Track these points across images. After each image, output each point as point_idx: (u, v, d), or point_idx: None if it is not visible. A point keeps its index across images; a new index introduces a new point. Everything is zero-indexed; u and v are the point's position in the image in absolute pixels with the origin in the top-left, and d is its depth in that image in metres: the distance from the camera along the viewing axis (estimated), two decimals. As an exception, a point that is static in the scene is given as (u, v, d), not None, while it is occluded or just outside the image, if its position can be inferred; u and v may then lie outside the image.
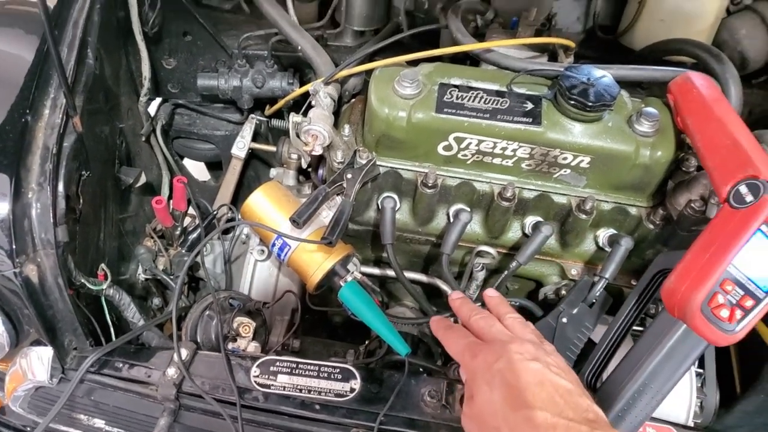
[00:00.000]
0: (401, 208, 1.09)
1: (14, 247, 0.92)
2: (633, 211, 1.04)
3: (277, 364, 0.95)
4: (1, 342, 0.99)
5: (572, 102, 0.94)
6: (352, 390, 0.92)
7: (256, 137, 1.46)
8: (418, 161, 1.04)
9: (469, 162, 1.03)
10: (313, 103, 1.14)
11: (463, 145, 1.00)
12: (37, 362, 0.99)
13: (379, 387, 0.92)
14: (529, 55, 1.19)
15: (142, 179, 1.32)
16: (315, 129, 1.05)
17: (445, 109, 0.98)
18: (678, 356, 0.80)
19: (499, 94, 1.00)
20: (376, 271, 1.16)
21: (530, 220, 1.06)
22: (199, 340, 1.06)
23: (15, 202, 0.93)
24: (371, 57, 1.25)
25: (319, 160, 1.23)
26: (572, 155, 0.98)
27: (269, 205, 1.08)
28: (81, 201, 1.05)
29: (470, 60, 1.20)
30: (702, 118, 0.91)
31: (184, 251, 1.28)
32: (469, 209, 1.06)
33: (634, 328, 0.91)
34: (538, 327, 0.95)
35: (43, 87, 1.02)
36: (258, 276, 1.22)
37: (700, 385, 0.99)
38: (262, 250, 1.20)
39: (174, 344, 0.95)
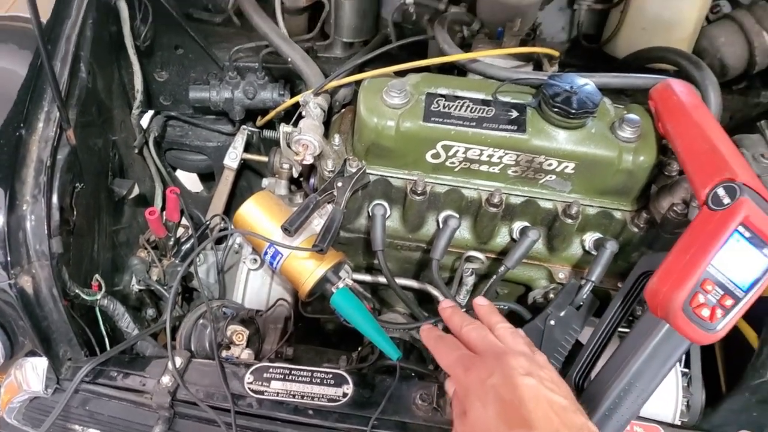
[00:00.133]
0: (391, 216, 1.11)
1: (9, 258, 0.93)
2: (618, 215, 1.06)
3: (271, 370, 0.96)
4: (-4, 353, 1.00)
5: (556, 110, 0.97)
6: (344, 395, 0.93)
7: (248, 148, 1.48)
8: (407, 169, 1.07)
9: (456, 169, 1.05)
10: (303, 113, 1.16)
11: (450, 153, 1.02)
12: (32, 373, 1.00)
13: (371, 392, 0.94)
14: (514, 64, 1.22)
15: (135, 191, 1.34)
16: (305, 139, 1.07)
17: (433, 118, 1.00)
18: (662, 355, 0.81)
19: (484, 102, 1.02)
20: (368, 278, 1.18)
21: (518, 225, 1.08)
22: (193, 349, 1.07)
23: (10, 214, 0.94)
24: (360, 68, 1.27)
25: (310, 170, 1.25)
26: (557, 161, 1.00)
27: (261, 214, 1.10)
28: (75, 213, 1.07)
29: (458, 70, 1.23)
30: (681, 123, 0.94)
31: (177, 261, 1.29)
32: (457, 215, 1.08)
33: (621, 329, 0.93)
34: (526, 330, 0.98)
35: (37, 101, 1.04)
36: (251, 285, 1.23)
37: (686, 384, 1.01)
38: (255, 259, 1.21)
39: (168, 353, 0.96)
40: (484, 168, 1.03)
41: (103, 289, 1.09)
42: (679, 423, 0.99)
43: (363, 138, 1.04)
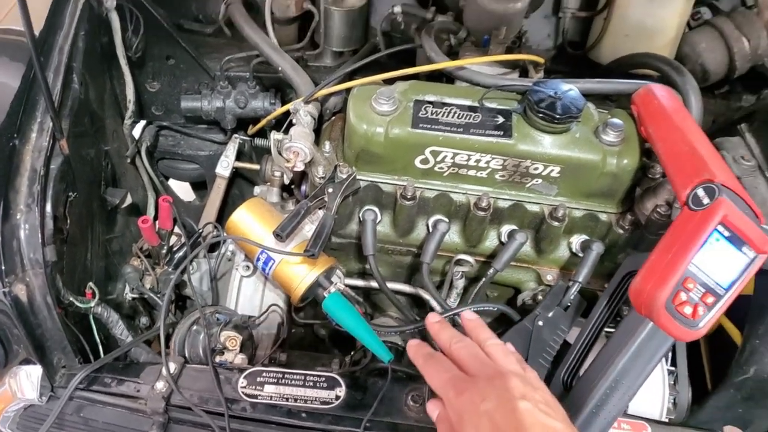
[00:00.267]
0: (382, 221, 1.13)
1: (3, 267, 0.94)
2: (603, 217, 1.08)
3: (264, 374, 0.97)
4: (-9, 362, 1.00)
5: (540, 115, 0.99)
6: (337, 397, 0.95)
7: (239, 156, 1.50)
8: (397, 175, 1.08)
9: (445, 174, 1.07)
10: (293, 121, 1.18)
11: (439, 158, 1.04)
12: (26, 381, 1.00)
13: (363, 394, 0.95)
14: (501, 71, 1.25)
15: (128, 200, 1.35)
16: (296, 146, 1.08)
17: (421, 125, 1.02)
18: (647, 353, 0.83)
19: (471, 109, 1.04)
20: (360, 282, 1.19)
21: (506, 228, 1.10)
22: (187, 355, 1.08)
23: (4, 223, 0.96)
24: (350, 76, 1.30)
25: (301, 177, 1.27)
26: (543, 165, 1.02)
27: (253, 221, 1.11)
28: (68, 222, 1.07)
29: (446, 78, 1.25)
30: (662, 127, 0.96)
31: (170, 269, 1.30)
32: (447, 220, 1.09)
33: (607, 329, 0.95)
34: (515, 330, 1.00)
35: (30, 111, 1.05)
36: (244, 292, 1.24)
37: (672, 382, 1.03)
38: (248, 266, 1.23)
39: (162, 358, 0.97)
40: (472, 173, 1.05)
41: (97, 297, 1.10)
42: (666, 420, 1.01)
43: (353, 144, 1.06)
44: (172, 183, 1.73)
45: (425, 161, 1.05)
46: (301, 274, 1.05)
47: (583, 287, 1.03)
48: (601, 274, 1.10)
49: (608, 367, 0.84)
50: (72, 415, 0.98)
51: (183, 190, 1.80)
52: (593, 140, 1.02)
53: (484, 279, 1.06)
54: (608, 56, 1.43)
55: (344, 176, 1.05)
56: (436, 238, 1.06)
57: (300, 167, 1.11)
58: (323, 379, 0.97)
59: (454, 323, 1.05)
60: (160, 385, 0.95)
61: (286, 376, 0.97)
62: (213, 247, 1.30)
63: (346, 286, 1.11)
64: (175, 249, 1.33)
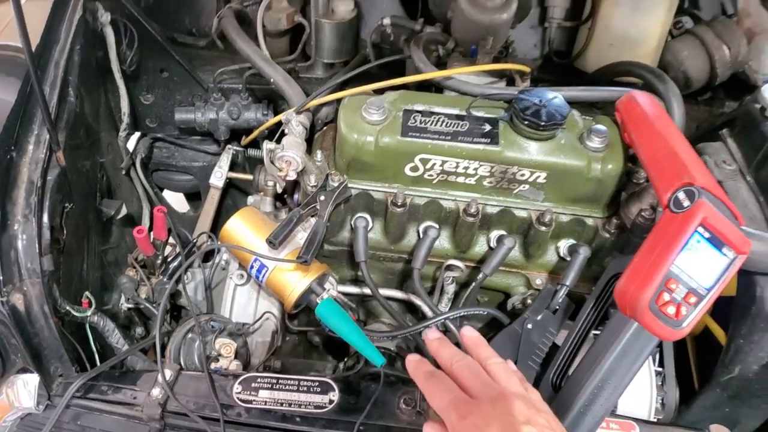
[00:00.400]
0: (373, 228, 1.15)
1: (1, 277, 0.96)
2: (590, 221, 1.10)
3: (258, 380, 0.99)
4: (-12, 372, 1.01)
5: (526, 122, 1.02)
6: (330, 402, 0.96)
7: (233, 167, 1.51)
8: (388, 182, 1.11)
9: (434, 181, 1.09)
10: (285, 131, 1.20)
11: (428, 166, 1.06)
12: (23, 390, 1.01)
13: (356, 397, 0.97)
14: (488, 81, 1.27)
15: (123, 211, 1.37)
16: (288, 155, 1.10)
17: (410, 133, 1.04)
18: (632, 353, 0.85)
19: (459, 117, 1.07)
20: (353, 289, 1.21)
21: (495, 233, 1.13)
22: (182, 362, 1.09)
23: (2, 233, 0.97)
24: (341, 87, 1.32)
25: (294, 186, 1.29)
26: (529, 171, 1.05)
27: (246, 229, 1.13)
28: (65, 232, 1.09)
29: (434, 87, 1.28)
30: (645, 132, 0.99)
31: (165, 279, 1.31)
32: (437, 226, 1.12)
33: (594, 331, 0.97)
34: (505, 334, 1.02)
35: (27, 124, 1.07)
36: (238, 300, 1.25)
37: (660, 383, 1.05)
38: (242, 275, 1.24)
39: (158, 365, 0.99)
40: (460, 179, 1.08)
41: (93, 306, 1.11)
42: (654, 420, 1.03)
43: (344, 153, 1.08)
44: (167, 194, 1.74)
45: (415, 169, 1.07)
46: (294, 281, 1.07)
47: (571, 290, 1.05)
48: (589, 277, 1.13)
49: (595, 368, 0.86)
50: (69, 423, 0.99)
51: (177, 201, 1.82)
52: (578, 146, 1.05)
53: (474, 284, 1.08)
54: (593, 65, 1.46)
55: (336, 184, 1.07)
56: (426, 244, 1.08)
57: (292, 176, 1.13)
58: (317, 383, 0.98)
59: (447, 329, 1.07)
60: (156, 392, 0.97)
61: (280, 381, 0.98)
62: (207, 257, 1.32)
63: (339, 293, 1.13)
64: (170, 259, 1.34)
